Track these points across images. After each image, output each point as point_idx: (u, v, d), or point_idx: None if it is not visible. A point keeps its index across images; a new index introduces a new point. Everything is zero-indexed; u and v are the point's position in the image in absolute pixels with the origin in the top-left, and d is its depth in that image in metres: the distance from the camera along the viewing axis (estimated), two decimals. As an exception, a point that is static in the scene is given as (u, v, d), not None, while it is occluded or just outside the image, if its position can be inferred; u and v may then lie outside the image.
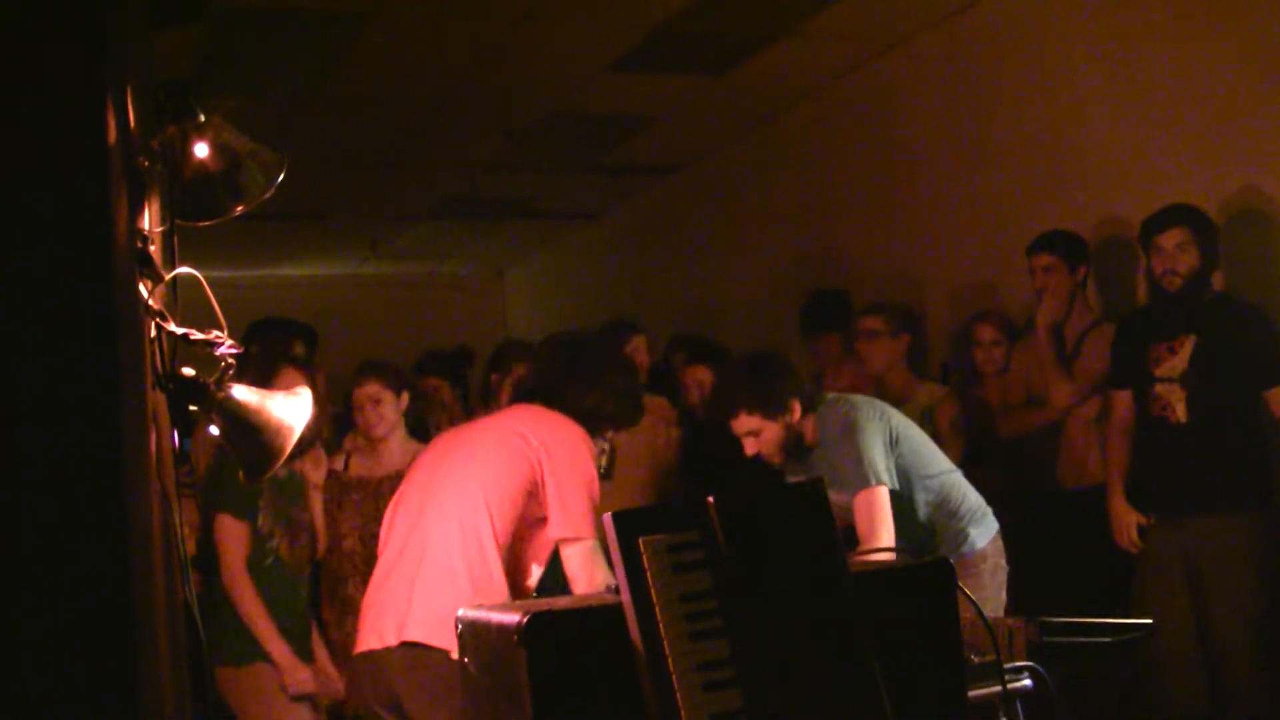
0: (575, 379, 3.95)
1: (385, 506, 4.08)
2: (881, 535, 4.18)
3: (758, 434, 4.40)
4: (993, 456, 5.68)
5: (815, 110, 7.69)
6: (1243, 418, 4.80)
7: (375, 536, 4.10)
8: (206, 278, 2.79)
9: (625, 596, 2.42)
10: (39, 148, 2.04)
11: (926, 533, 4.44)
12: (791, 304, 7.18)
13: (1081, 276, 5.48)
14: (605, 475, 4.04)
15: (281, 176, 3.00)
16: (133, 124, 2.60)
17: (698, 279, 9.14)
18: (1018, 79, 6.22)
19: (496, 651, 2.59)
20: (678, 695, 2.33)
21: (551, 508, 3.75)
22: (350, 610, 5.05)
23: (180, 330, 2.70)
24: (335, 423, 5.99)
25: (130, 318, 2.41)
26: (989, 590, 4.44)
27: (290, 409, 2.78)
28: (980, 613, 2.97)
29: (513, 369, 5.69)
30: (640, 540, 2.42)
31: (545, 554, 3.86)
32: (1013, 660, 3.17)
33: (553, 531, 3.76)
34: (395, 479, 4.59)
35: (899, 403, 5.14)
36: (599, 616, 2.53)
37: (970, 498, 4.53)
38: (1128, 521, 4.99)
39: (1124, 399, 5.08)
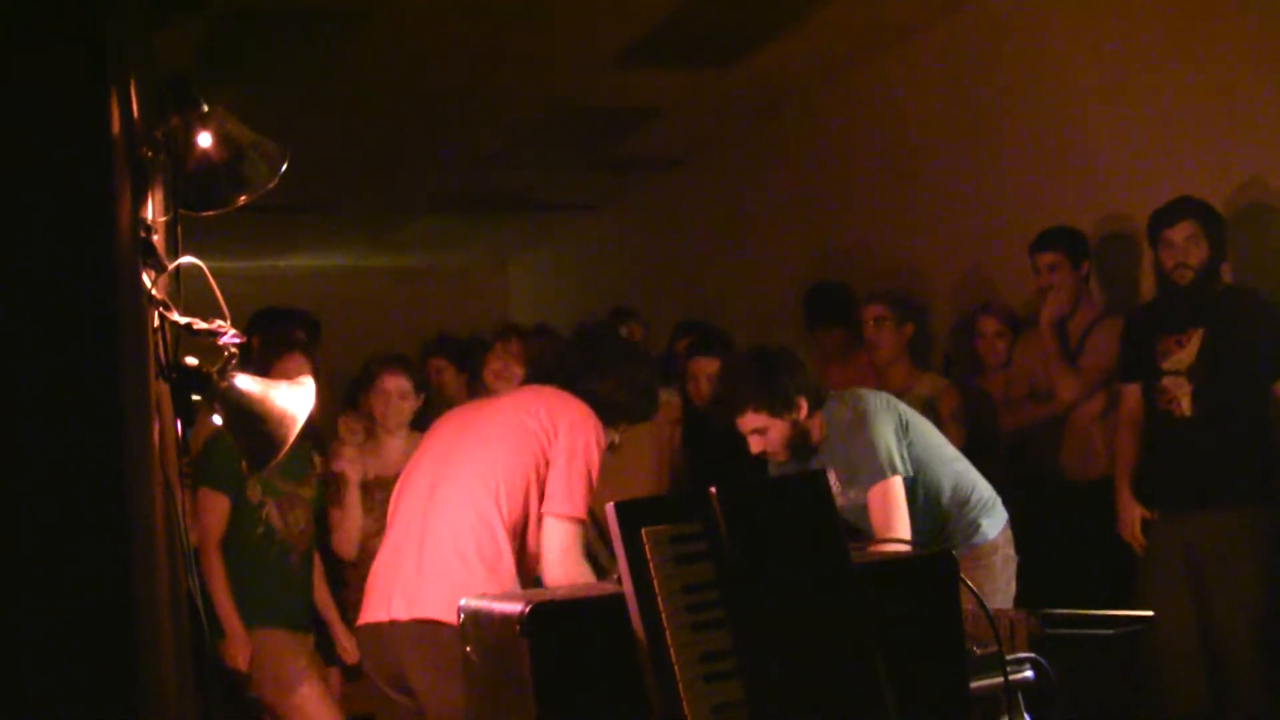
0: (593, 365, 3.96)
1: None
2: (896, 527, 4.13)
3: (764, 432, 4.34)
4: (994, 449, 5.67)
5: (818, 104, 7.68)
6: (1249, 412, 4.79)
7: None
8: (209, 268, 2.79)
9: (627, 587, 2.42)
10: (43, 139, 2.05)
11: (937, 523, 4.42)
12: (794, 297, 7.18)
13: (1085, 271, 5.48)
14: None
15: (285, 167, 3.01)
16: (136, 115, 2.60)
17: (700, 272, 9.14)
18: (1021, 72, 6.21)
19: (499, 641, 2.59)
20: (680, 686, 2.33)
21: (551, 482, 3.73)
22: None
23: (183, 320, 2.71)
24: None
25: (134, 308, 2.41)
26: (1000, 581, 4.43)
27: (293, 399, 2.78)
28: (982, 604, 2.97)
29: (497, 344, 5.66)
30: (643, 531, 2.43)
31: None
32: (1014, 652, 3.17)
33: (546, 505, 3.74)
34: None
35: (899, 394, 5.13)
36: (601, 607, 2.53)
37: (980, 487, 4.50)
38: (1132, 516, 4.98)
39: (1133, 393, 5.07)
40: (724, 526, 2.48)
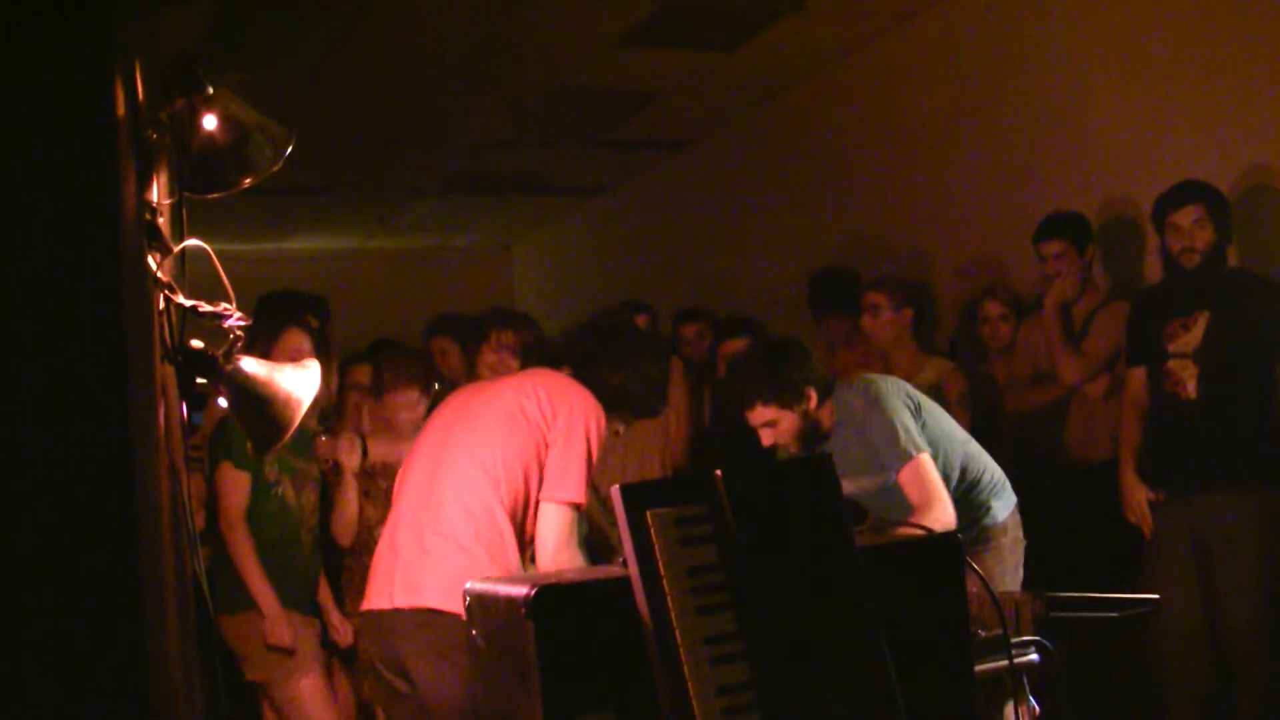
0: (607, 354, 3.94)
1: None
2: (936, 506, 4.07)
3: (775, 425, 4.33)
4: (999, 432, 5.67)
5: (823, 87, 7.66)
6: (1255, 394, 4.79)
7: None
8: (215, 250, 2.79)
9: (633, 569, 2.43)
10: (49, 121, 2.04)
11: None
12: (799, 280, 7.17)
13: (1089, 257, 5.48)
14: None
15: (290, 149, 3.00)
16: (141, 97, 2.60)
17: (705, 255, 9.13)
18: (1025, 55, 6.20)
19: (504, 624, 2.59)
20: (685, 668, 2.34)
21: (550, 467, 3.73)
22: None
23: (189, 303, 2.70)
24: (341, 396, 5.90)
25: (138, 290, 2.41)
26: (1008, 564, 4.42)
27: (299, 381, 2.78)
28: (987, 586, 2.98)
29: (492, 335, 5.66)
30: (648, 513, 2.43)
31: None
32: (1019, 634, 3.18)
33: (544, 490, 3.73)
34: None
35: (906, 378, 5.13)
36: (606, 589, 2.53)
37: (990, 469, 4.50)
38: (1137, 498, 4.99)
39: (1139, 376, 5.07)
40: (729, 509, 2.48)
